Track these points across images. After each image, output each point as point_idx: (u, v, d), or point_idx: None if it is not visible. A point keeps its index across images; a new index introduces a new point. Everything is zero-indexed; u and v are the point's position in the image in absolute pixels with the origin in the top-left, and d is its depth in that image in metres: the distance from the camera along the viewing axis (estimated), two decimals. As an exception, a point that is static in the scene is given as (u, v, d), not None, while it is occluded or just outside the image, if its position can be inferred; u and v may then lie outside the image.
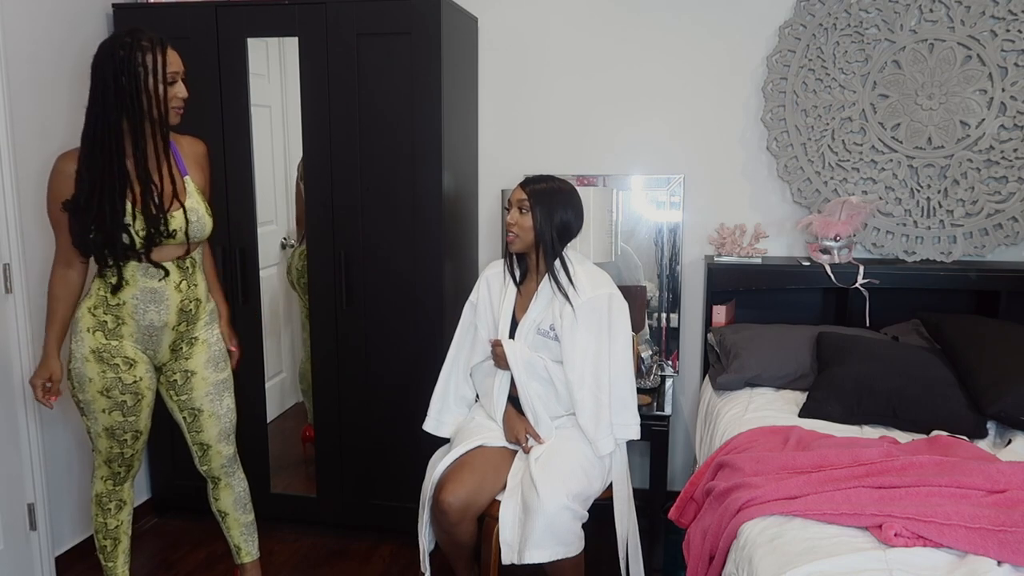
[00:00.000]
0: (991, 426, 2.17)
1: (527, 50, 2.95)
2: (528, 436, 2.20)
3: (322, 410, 2.81)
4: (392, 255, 2.66)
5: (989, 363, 2.20)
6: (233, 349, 2.34)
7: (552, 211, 2.16)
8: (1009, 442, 2.06)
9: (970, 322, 2.46)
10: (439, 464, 2.18)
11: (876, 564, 1.44)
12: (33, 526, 2.52)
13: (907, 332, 2.59)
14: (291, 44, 2.62)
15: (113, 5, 2.76)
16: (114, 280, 2.02)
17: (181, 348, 2.17)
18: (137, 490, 3.00)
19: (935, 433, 2.09)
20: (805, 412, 2.24)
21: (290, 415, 3.15)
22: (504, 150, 3.03)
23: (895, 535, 1.50)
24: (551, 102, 2.97)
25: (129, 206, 1.97)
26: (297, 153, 2.68)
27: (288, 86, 2.70)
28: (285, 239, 3.01)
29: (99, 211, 1.94)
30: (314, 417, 2.83)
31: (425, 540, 2.24)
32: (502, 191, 2.74)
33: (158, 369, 2.20)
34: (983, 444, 2.09)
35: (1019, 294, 2.57)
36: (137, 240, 1.98)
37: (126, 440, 2.14)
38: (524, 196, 2.18)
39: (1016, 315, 2.56)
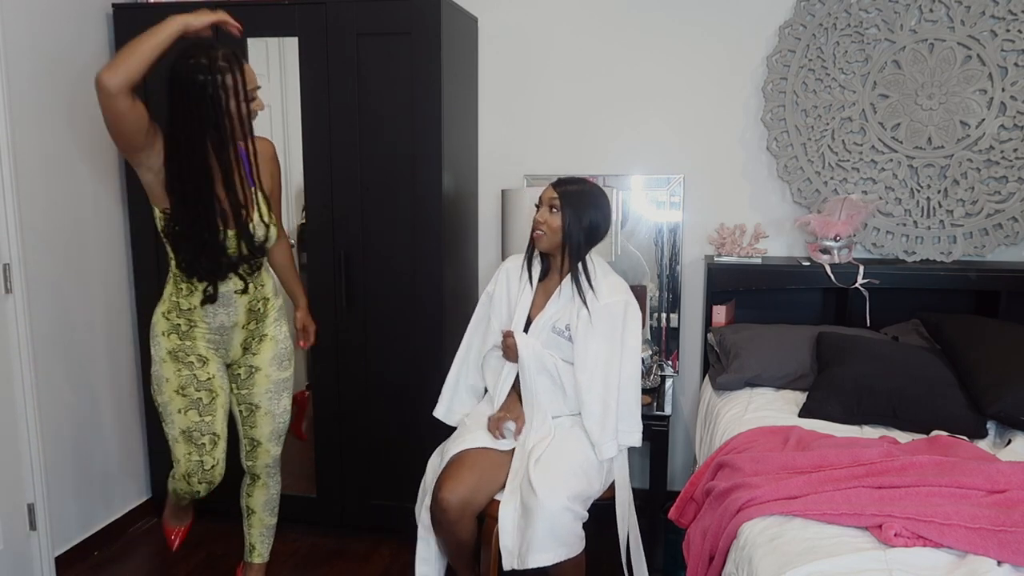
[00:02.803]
0: (991, 426, 2.17)
1: (527, 50, 2.95)
2: (524, 440, 2.20)
3: (322, 410, 2.81)
4: (392, 255, 2.66)
5: (989, 363, 2.20)
6: (310, 329, 2.46)
7: (582, 213, 2.17)
8: (1009, 442, 2.06)
9: (970, 322, 2.46)
10: (437, 462, 2.19)
11: (876, 564, 1.44)
12: (33, 526, 2.52)
13: (907, 332, 2.59)
14: (291, 44, 2.62)
15: (113, 5, 2.76)
16: (210, 291, 2.05)
17: (251, 345, 2.20)
18: (137, 490, 3.02)
19: (935, 433, 2.09)
20: (805, 412, 2.24)
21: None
22: (504, 150, 3.03)
23: (895, 535, 1.50)
24: (551, 102, 2.97)
25: (221, 227, 1.99)
26: (297, 153, 2.68)
27: (288, 86, 2.70)
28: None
29: (198, 238, 1.97)
30: (314, 417, 2.83)
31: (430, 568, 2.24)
32: (502, 191, 2.74)
33: (228, 367, 2.22)
34: (983, 444, 2.09)
35: (1019, 294, 2.57)
36: (231, 257, 2.02)
37: (204, 445, 2.12)
38: (555, 196, 2.18)
39: (1016, 315, 2.56)
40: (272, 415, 2.26)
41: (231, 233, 2.00)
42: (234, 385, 2.24)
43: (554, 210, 2.18)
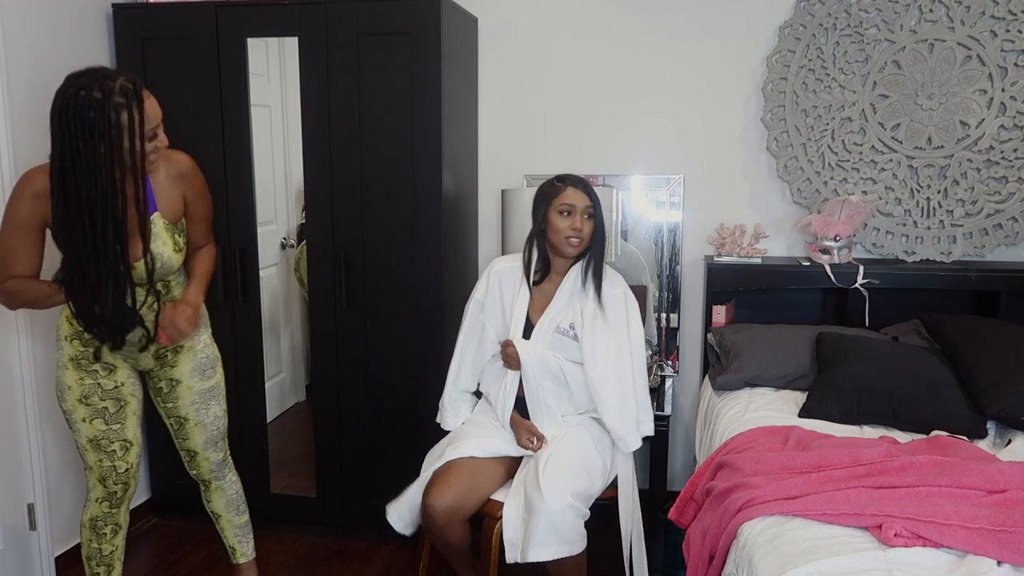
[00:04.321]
0: (991, 426, 2.17)
1: (527, 50, 2.95)
2: (534, 438, 2.20)
3: (322, 410, 2.81)
4: (392, 255, 2.66)
5: (989, 363, 2.20)
6: (177, 320, 1.97)
7: (601, 209, 2.22)
8: (1009, 442, 2.06)
9: (970, 322, 2.46)
10: (430, 467, 2.19)
11: (876, 564, 1.44)
12: (33, 526, 2.52)
13: (907, 332, 2.59)
14: (291, 44, 2.62)
15: (113, 5, 2.76)
16: (104, 345, 1.96)
17: (167, 356, 2.10)
18: (137, 490, 3.01)
19: (935, 433, 2.09)
20: (805, 412, 2.24)
21: (290, 415, 3.15)
22: (504, 150, 3.03)
23: (895, 535, 1.50)
24: (551, 102, 2.97)
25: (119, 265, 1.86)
26: (297, 153, 2.68)
27: (288, 86, 2.70)
28: (285, 239, 3.01)
29: (91, 288, 1.82)
30: (314, 417, 2.83)
31: (399, 519, 2.25)
32: (502, 191, 2.74)
33: (145, 374, 2.14)
34: (983, 444, 2.09)
35: (1019, 294, 2.57)
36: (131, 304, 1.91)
37: (115, 451, 2.05)
38: (588, 202, 2.17)
39: (1016, 315, 2.56)
40: (202, 425, 2.18)
41: (126, 269, 1.86)
42: (159, 399, 2.15)
43: (588, 216, 2.18)
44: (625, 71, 2.90)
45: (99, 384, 2.01)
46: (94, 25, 2.71)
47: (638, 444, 2.21)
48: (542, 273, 2.28)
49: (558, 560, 2.03)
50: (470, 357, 2.35)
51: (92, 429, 2.02)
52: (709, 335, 2.79)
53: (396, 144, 2.59)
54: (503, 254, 2.70)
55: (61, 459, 2.64)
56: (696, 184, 2.91)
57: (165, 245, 1.96)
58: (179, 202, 2.01)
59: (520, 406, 2.27)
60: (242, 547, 2.40)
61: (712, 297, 2.80)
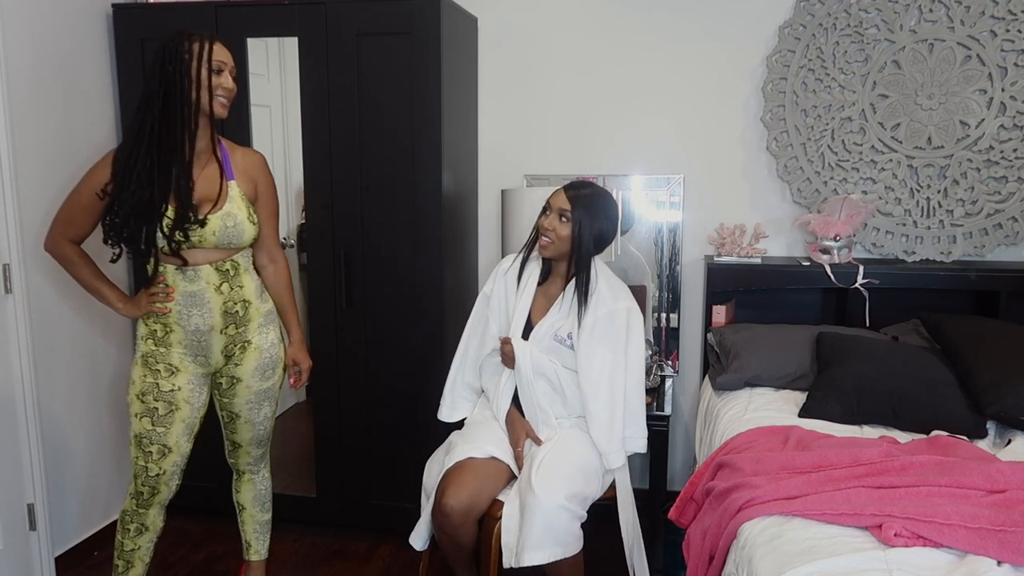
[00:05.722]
0: (991, 426, 2.17)
1: (527, 50, 2.96)
2: (528, 441, 2.20)
3: (322, 410, 2.81)
4: (392, 255, 2.66)
5: (989, 363, 2.20)
6: (303, 367, 2.30)
7: (593, 221, 2.14)
8: (1009, 442, 2.06)
9: (970, 322, 2.46)
10: (439, 467, 2.19)
11: (876, 564, 1.44)
12: (33, 526, 2.52)
13: (907, 332, 2.59)
14: (291, 44, 2.62)
15: (113, 5, 2.76)
16: (150, 269, 2.03)
17: (234, 353, 2.14)
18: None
19: (935, 433, 2.09)
20: (805, 412, 2.24)
21: (290, 415, 3.15)
22: (504, 150, 3.03)
23: (895, 535, 1.50)
24: (551, 102, 2.97)
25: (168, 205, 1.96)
26: (297, 153, 2.68)
27: (288, 86, 2.70)
28: (285, 239, 3.00)
29: (138, 201, 1.93)
30: (314, 417, 2.83)
31: (420, 539, 2.24)
32: (502, 191, 2.75)
33: (213, 375, 2.17)
34: (983, 444, 2.09)
35: (1019, 294, 2.57)
36: (164, 234, 1.96)
37: (151, 453, 2.07)
38: (567, 205, 2.13)
39: (1016, 315, 2.56)
40: (252, 423, 2.23)
41: (171, 207, 1.95)
42: (217, 393, 2.20)
43: (564, 219, 2.14)
44: (625, 71, 2.90)
45: (157, 384, 2.06)
46: (94, 25, 2.71)
47: (621, 461, 2.19)
48: (543, 273, 2.29)
49: (554, 563, 2.03)
50: (473, 350, 2.36)
51: (139, 426, 2.07)
52: (709, 335, 2.79)
53: (396, 144, 2.59)
54: (503, 254, 2.70)
55: (61, 459, 2.64)
56: (696, 184, 2.91)
57: (239, 209, 2.04)
58: (251, 187, 2.12)
59: (518, 403, 2.27)
60: (257, 544, 2.42)
61: (712, 297, 2.80)
